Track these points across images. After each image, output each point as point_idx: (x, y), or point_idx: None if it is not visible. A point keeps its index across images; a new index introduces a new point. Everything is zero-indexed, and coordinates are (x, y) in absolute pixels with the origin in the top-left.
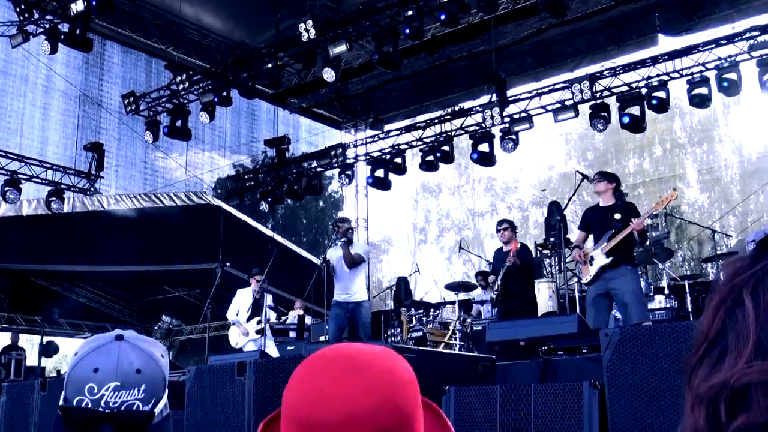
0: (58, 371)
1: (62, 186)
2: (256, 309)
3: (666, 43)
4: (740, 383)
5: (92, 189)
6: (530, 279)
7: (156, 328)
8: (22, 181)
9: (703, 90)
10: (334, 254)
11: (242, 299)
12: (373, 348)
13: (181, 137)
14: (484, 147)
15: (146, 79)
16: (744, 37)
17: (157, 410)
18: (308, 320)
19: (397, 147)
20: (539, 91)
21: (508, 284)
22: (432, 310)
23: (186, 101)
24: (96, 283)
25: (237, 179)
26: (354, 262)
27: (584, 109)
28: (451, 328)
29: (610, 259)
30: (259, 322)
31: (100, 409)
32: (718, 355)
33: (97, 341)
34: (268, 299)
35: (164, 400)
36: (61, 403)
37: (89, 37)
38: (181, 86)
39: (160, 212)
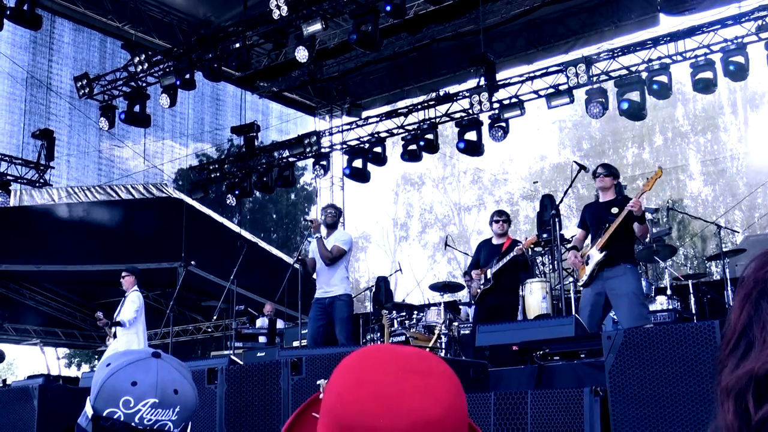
0: (4, 381)
1: (8, 177)
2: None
3: (668, 23)
4: (765, 369)
5: (41, 181)
6: (519, 279)
7: None
8: None
9: (708, 74)
10: (313, 248)
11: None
12: (418, 350)
13: (140, 124)
14: (471, 135)
15: (100, 60)
16: (752, 17)
17: None
18: (280, 324)
19: (376, 135)
20: (531, 74)
21: (501, 279)
22: (415, 312)
23: (144, 84)
24: (45, 285)
25: (200, 170)
26: (332, 257)
27: (580, 94)
28: (436, 332)
29: (603, 253)
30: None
31: (133, 424)
32: (745, 347)
33: (131, 355)
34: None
35: (189, 428)
36: (90, 412)
37: (38, 13)
38: (139, 68)
39: (116, 206)
